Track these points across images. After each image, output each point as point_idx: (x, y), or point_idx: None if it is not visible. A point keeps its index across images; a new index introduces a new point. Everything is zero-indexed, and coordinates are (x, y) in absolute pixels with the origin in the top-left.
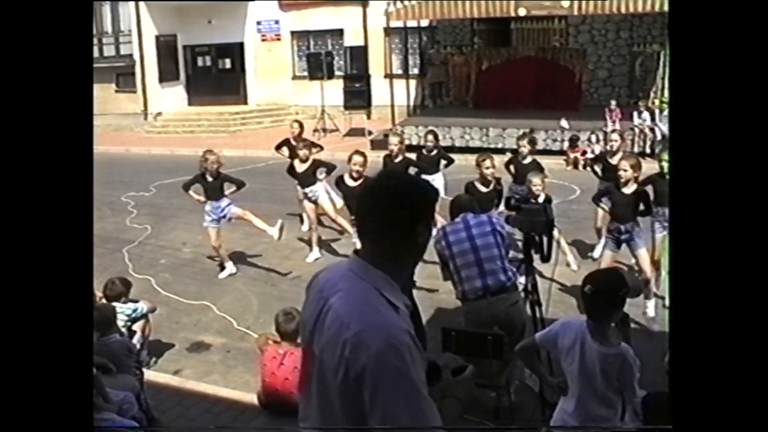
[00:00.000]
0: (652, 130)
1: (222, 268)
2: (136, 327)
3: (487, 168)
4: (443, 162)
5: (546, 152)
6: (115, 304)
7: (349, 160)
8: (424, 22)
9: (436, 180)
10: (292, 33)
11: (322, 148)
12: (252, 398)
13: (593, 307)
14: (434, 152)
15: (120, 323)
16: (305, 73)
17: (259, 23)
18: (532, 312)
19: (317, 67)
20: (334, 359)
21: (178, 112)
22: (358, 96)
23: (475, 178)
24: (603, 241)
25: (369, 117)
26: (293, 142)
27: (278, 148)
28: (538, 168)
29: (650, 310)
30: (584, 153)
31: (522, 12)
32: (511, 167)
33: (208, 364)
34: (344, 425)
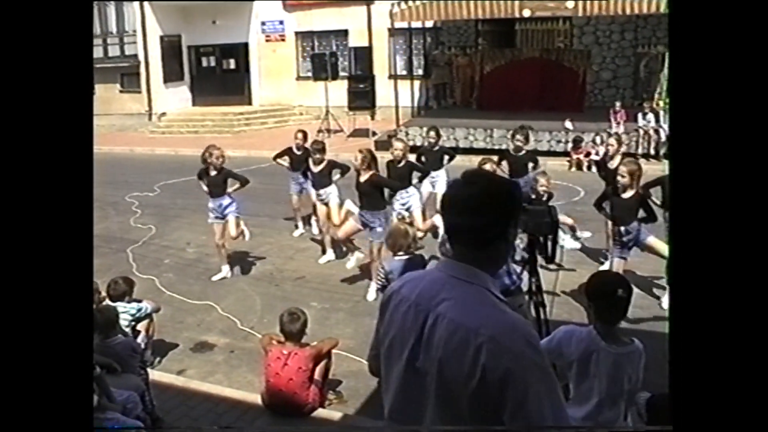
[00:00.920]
0: (656, 131)
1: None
2: (141, 327)
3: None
4: (446, 158)
5: (550, 153)
6: (119, 303)
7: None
8: (429, 23)
9: (440, 177)
10: (297, 33)
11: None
12: (256, 398)
13: (621, 309)
14: (437, 148)
15: (124, 323)
16: (309, 74)
17: (263, 24)
18: (537, 314)
19: (321, 68)
20: (464, 368)
21: (182, 112)
22: (362, 97)
23: None
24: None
25: (373, 118)
26: (296, 151)
27: (278, 156)
28: (533, 160)
29: (665, 302)
30: (588, 154)
31: (526, 13)
32: (504, 163)
33: (212, 364)
34: None
